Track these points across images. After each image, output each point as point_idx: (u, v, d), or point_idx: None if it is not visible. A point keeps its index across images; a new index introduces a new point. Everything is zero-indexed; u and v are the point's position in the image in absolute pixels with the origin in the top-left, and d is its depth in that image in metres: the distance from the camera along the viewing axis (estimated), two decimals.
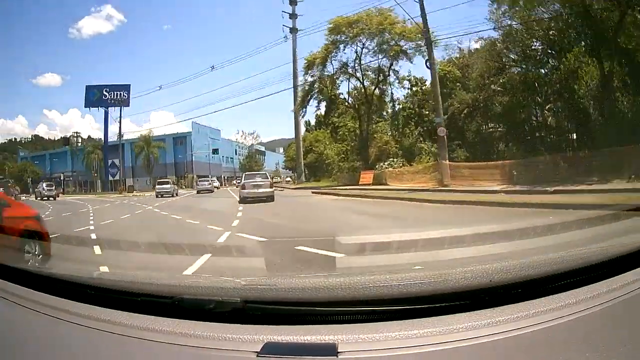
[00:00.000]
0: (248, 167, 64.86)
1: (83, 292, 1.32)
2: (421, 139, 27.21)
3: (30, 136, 74.21)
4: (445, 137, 18.67)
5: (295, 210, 12.55)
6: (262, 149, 78.81)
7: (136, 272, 1.86)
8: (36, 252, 4.51)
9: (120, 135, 45.87)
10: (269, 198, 15.34)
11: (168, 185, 28.80)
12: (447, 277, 1.21)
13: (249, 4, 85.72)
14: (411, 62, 26.36)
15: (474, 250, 4.53)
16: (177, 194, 28.98)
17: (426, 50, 22.61)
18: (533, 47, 20.04)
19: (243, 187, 16.07)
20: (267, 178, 17.06)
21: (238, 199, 16.29)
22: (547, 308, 1.02)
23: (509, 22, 19.65)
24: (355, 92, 30.23)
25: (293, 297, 1.14)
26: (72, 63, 74.71)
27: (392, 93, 29.97)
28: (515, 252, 4.30)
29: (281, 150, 74.28)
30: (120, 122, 46.50)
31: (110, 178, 49.59)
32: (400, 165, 24.49)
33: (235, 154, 73.10)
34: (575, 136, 19.08)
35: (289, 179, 56.66)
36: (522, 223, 8.66)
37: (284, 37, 33.96)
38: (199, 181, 36.68)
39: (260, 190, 15.64)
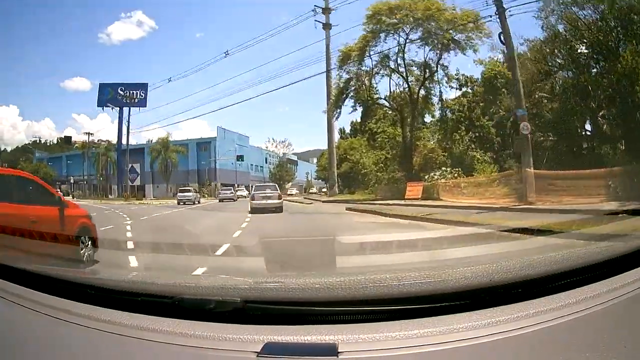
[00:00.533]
0: (279, 176, 61.88)
1: (83, 292, 1.33)
2: (472, 146, 24.36)
3: (56, 139, 68.54)
4: (529, 136, 14.39)
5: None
6: (295, 158, 73.72)
7: (136, 273, 1.89)
8: (87, 243, 5.42)
9: (128, 138, 41.74)
10: (278, 209, 16.06)
11: (190, 193, 29.90)
12: (447, 276, 1.22)
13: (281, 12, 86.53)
14: (463, 54, 22.18)
15: (474, 249, 4.27)
16: (199, 202, 29.89)
17: (476, 41, 20.25)
18: (579, 51, 18.16)
19: (253, 198, 16.85)
20: (276, 190, 18.21)
21: (248, 210, 15.77)
22: (547, 308, 1.02)
23: (554, 23, 18.03)
24: (397, 91, 25.75)
25: (293, 297, 1.14)
26: (101, 68, 76.15)
27: (440, 92, 25.16)
28: (516, 251, 4.01)
29: (315, 160, 69.52)
30: (128, 124, 40.20)
31: (130, 183, 47.25)
32: (455, 176, 20.57)
33: (266, 162, 67.48)
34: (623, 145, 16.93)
35: (324, 189, 53.13)
36: (522, 222, 7.81)
37: (314, 14, 28.65)
38: (222, 190, 36.65)
39: (269, 201, 16.38)
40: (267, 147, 67.27)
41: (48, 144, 68.92)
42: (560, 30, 18.16)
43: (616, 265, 1.21)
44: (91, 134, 46.77)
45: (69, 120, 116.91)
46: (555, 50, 19.09)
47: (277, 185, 21.24)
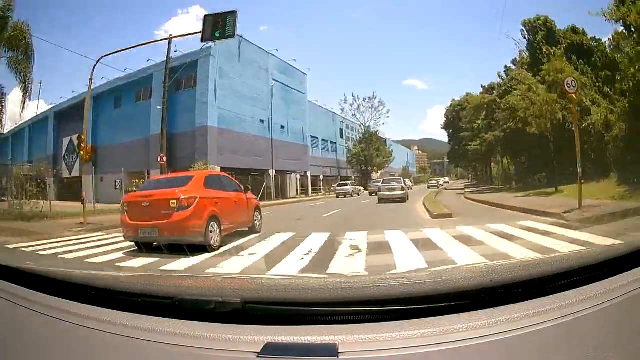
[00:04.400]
0: (363, 157, 39.11)
1: (83, 292, 1.33)
2: None
3: None
4: None
5: None
6: (385, 137, 45.77)
7: (136, 273, 1.89)
8: (259, 217, 8.90)
9: None
10: (402, 200, 18.40)
11: (347, 187, 29.66)
12: (447, 276, 1.22)
13: None
14: None
15: (474, 250, 4.22)
16: (358, 194, 28.83)
17: None
18: None
19: (379, 190, 19.99)
20: (400, 182, 20.44)
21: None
22: (547, 308, 1.02)
23: None
24: None
25: (293, 297, 1.15)
26: None
27: None
28: (516, 252, 3.92)
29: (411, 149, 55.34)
30: None
31: (67, 174, 23.91)
32: None
33: (341, 136, 40.84)
34: None
35: (445, 180, 33.45)
36: (523, 223, 7.75)
37: None
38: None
39: (394, 192, 18.89)
40: (342, 110, 38.67)
41: None
42: None
43: (616, 265, 1.21)
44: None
45: None
46: None
47: (402, 179, 22.83)
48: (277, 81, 26.36)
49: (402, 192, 18.85)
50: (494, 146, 26.25)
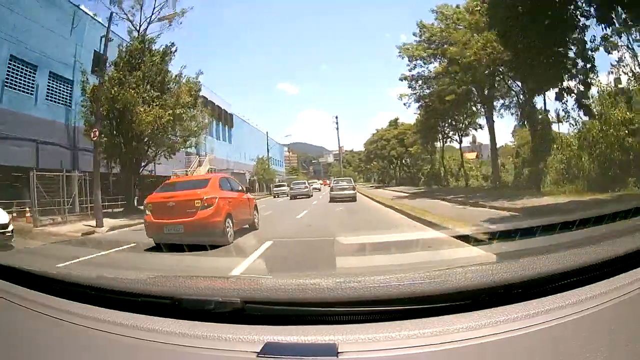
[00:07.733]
0: (115, 110, 14.34)
1: (84, 292, 1.33)
2: None
3: None
4: None
5: None
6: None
7: (136, 273, 1.90)
8: (257, 215, 9.54)
9: None
10: (352, 198, 19.02)
11: (284, 187, 32.93)
12: (447, 277, 1.23)
13: None
14: None
15: (474, 250, 4.19)
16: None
17: None
18: None
19: (332, 190, 20.74)
20: (351, 182, 21.61)
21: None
22: (547, 308, 1.02)
23: None
24: None
25: (293, 297, 1.16)
26: None
27: None
28: (516, 252, 3.91)
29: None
30: None
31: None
32: None
33: (99, 68, 13.90)
34: None
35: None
36: (523, 223, 7.49)
37: None
38: None
39: (345, 192, 19.74)
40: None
41: None
42: None
43: (616, 265, 1.21)
44: None
45: None
46: None
47: (352, 179, 23.91)
48: None
49: (352, 192, 20.00)
50: None
